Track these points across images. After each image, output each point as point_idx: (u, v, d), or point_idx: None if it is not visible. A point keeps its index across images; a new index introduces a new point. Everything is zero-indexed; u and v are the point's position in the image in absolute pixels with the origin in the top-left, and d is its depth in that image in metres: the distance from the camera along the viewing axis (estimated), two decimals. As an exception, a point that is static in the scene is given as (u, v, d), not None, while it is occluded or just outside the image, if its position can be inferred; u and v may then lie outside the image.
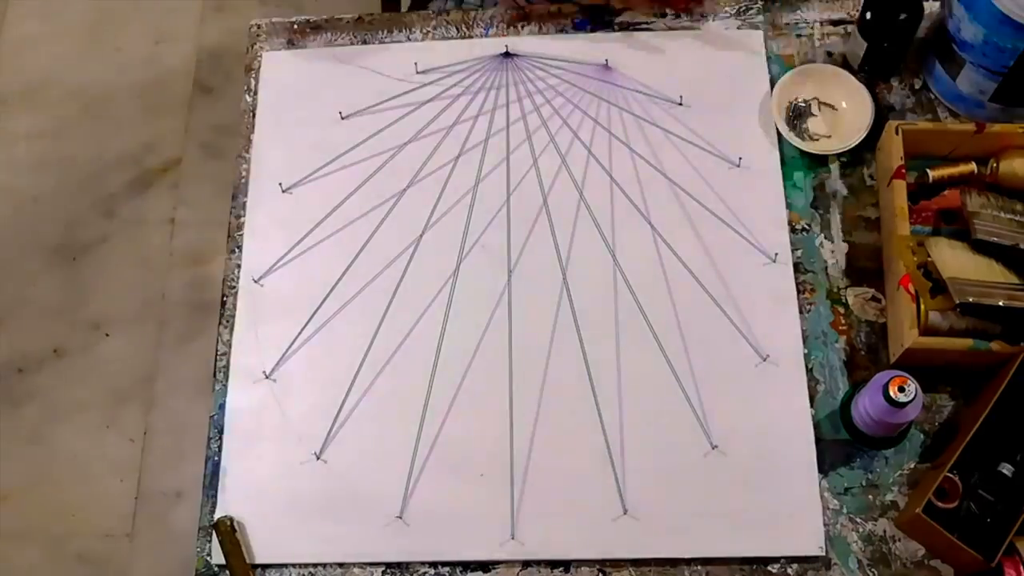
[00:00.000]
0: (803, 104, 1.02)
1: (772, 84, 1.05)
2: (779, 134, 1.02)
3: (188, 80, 1.95)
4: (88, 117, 1.94)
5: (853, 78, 1.02)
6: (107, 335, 1.76)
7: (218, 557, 0.89)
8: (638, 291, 0.96)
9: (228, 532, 0.88)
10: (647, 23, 1.10)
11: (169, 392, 1.70)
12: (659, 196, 1.01)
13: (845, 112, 1.02)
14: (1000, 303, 0.86)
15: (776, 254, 0.97)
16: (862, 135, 0.99)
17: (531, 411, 0.92)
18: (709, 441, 0.90)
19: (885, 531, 0.87)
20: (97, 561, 1.60)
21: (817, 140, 1.02)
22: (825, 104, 1.03)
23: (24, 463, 1.67)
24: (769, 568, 0.87)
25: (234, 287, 1.00)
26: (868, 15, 0.98)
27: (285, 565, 0.90)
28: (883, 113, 1.02)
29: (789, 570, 0.87)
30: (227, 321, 0.99)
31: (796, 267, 0.97)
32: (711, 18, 1.09)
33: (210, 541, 0.90)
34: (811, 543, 0.86)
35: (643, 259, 0.98)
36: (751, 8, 1.09)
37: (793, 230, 0.99)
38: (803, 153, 1.01)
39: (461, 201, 1.02)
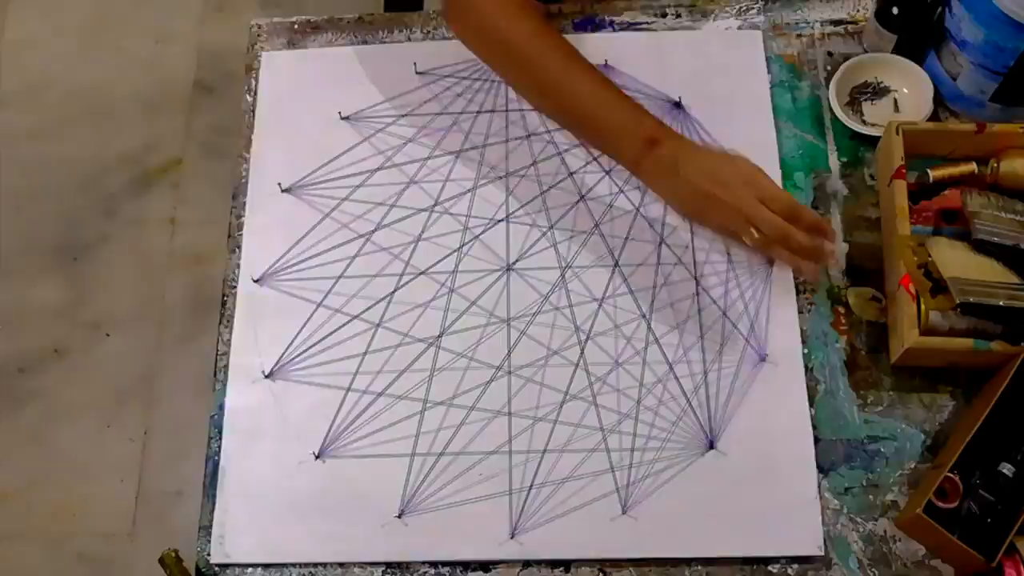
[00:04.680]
0: (869, 88, 1.03)
1: (772, 84, 1.05)
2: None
3: (188, 80, 1.96)
4: (88, 117, 1.94)
5: (914, 64, 1.02)
6: (107, 335, 1.76)
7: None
8: (636, 290, 0.96)
9: (174, 564, 0.89)
10: (647, 23, 1.10)
11: (169, 392, 1.70)
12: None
13: (905, 98, 1.03)
14: (1001, 303, 0.86)
15: (776, 254, 0.97)
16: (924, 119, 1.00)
17: (530, 411, 0.92)
18: (708, 441, 0.90)
19: (885, 531, 0.87)
20: (97, 561, 1.60)
21: (873, 126, 1.02)
22: (889, 89, 1.04)
23: (24, 463, 1.67)
24: (769, 568, 0.87)
25: (234, 287, 1.00)
26: (895, 9, 0.99)
27: (285, 565, 0.90)
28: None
29: (789, 570, 0.87)
30: (227, 321, 0.99)
31: (796, 267, 0.97)
32: (711, 18, 1.09)
33: (209, 541, 0.90)
34: (809, 543, 0.86)
35: (642, 258, 0.98)
36: (751, 8, 1.09)
37: (793, 230, 0.99)
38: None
39: (460, 200, 1.02)
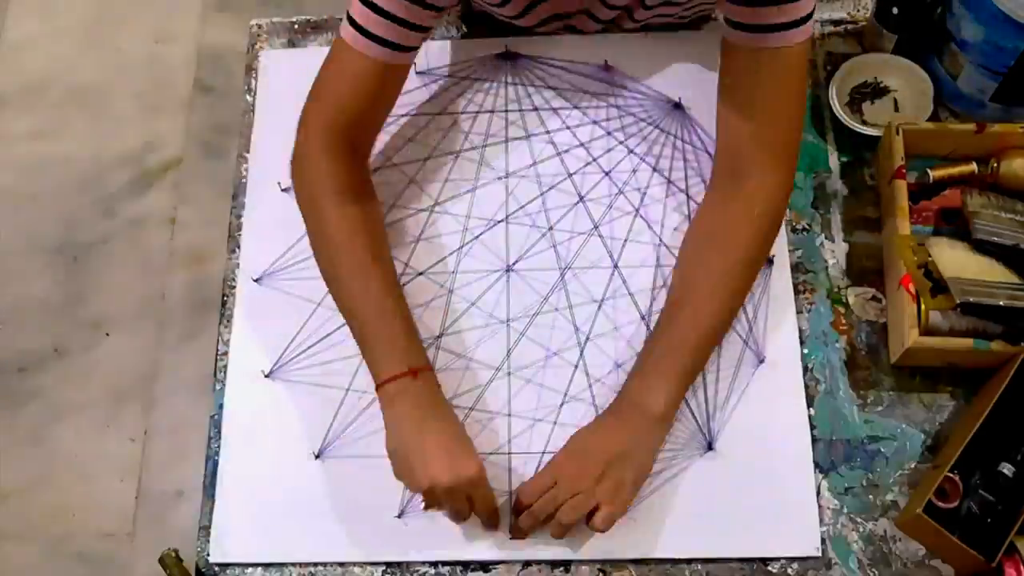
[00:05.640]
0: (869, 88, 1.03)
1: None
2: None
3: (188, 80, 1.95)
4: (88, 117, 1.94)
5: (914, 65, 1.02)
6: (107, 335, 1.76)
7: None
8: (636, 291, 0.96)
9: (174, 564, 0.89)
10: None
11: (169, 392, 1.70)
12: (658, 197, 1.00)
13: (905, 99, 1.03)
14: (1001, 303, 0.86)
15: (773, 256, 0.97)
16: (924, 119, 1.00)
17: (530, 412, 0.92)
18: (707, 442, 0.90)
19: (885, 531, 0.87)
20: (97, 561, 1.60)
21: (873, 126, 1.01)
22: (889, 89, 1.04)
23: (24, 463, 1.67)
24: (769, 568, 0.87)
25: (234, 287, 1.00)
26: (895, 9, 0.99)
27: (285, 565, 0.90)
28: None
29: (789, 570, 0.87)
30: (227, 321, 0.99)
31: (796, 267, 0.97)
32: (711, 18, 1.09)
33: (209, 541, 0.90)
34: (808, 544, 0.86)
35: (641, 260, 0.98)
36: (751, 8, 1.09)
37: (793, 230, 0.99)
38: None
39: (460, 201, 1.02)
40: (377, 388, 0.85)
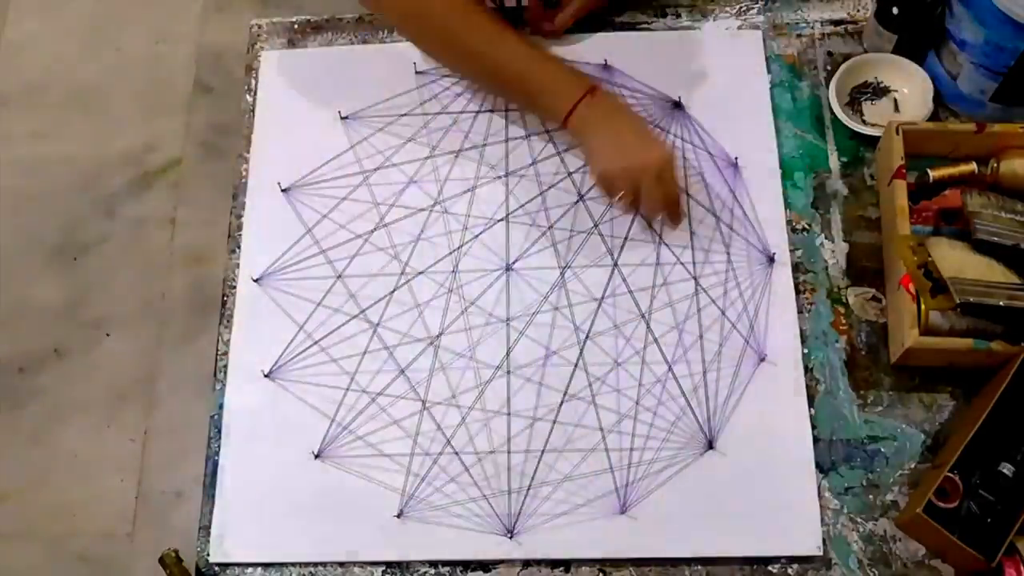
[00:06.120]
0: (869, 88, 1.03)
1: (772, 84, 1.05)
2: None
3: (188, 80, 1.95)
4: (88, 117, 1.94)
5: (914, 65, 1.02)
6: (108, 335, 1.76)
7: None
8: (636, 291, 0.96)
9: (174, 564, 0.89)
10: (647, 23, 1.10)
11: (169, 392, 1.70)
12: (659, 196, 1.01)
13: (905, 98, 1.03)
14: (1001, 303, 0.86)
15: (774, 254, 0.97)
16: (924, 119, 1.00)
17: (529, 410, 0.92)
18: (707, 441, 0.90)
19: (885, 531, 0.87)
20: (97, 561, 1.60)
21: (873, 126, 1.01)
22: (889, 89, 1.04)
23: (24, 463, 1.67)
24: (769, 568, 0.87)
25: (234, 287, 1.00)
26: (895, 9, 0.99)
27: (285, 565, 0.90)
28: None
29: (789, 570, 0.87)
30: (227, 321, 0.99)
31: (796, 267, 0.97)
32: (711, 18, 1.09)
33: (209, 541, 0.90)
34: (809, 543, 0.86)
35: (641, 258, 0.98)
36: (751, 8, 1.09)
37: (793, 230, 0.99)
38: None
39: (460, 200, 1.02)
40: (565, 124, 0.93)
